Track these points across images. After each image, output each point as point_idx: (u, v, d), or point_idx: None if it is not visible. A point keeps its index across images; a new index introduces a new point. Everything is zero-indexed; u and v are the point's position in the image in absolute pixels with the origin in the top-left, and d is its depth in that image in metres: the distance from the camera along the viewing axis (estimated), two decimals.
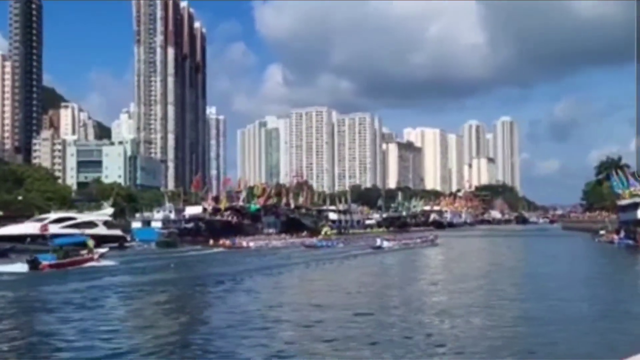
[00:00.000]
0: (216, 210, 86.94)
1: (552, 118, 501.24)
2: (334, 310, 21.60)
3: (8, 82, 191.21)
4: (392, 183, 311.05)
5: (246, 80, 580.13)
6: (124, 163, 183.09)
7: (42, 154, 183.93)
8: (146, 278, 33.87)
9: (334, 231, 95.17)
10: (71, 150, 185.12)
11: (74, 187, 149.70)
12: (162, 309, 23.53)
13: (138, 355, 15.10)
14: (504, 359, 14.56)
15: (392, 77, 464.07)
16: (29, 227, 59.71)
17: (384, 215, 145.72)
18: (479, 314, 20.91)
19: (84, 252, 40.89)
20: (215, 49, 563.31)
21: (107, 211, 74.09)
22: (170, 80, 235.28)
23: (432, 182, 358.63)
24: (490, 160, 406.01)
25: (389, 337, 16.75)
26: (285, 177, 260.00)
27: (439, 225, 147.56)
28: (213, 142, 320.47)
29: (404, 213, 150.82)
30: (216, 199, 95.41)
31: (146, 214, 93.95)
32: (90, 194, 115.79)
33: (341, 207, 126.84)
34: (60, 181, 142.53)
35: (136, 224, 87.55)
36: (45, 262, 36.04)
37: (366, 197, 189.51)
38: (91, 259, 39.91)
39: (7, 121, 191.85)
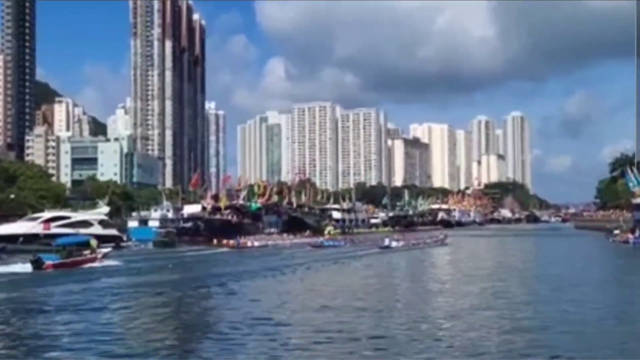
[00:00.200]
0: (216, 209, 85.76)
1: (564, 113, 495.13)
2: (348, 313, 21.41)
3: (0, 77, 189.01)
4: (398, 181, 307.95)
5: (247, 74, 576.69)
6: (120, 160, 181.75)
7: (35, 150, 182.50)
8: (141, 279, 33.80)
9: (338, 230, 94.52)
10: (65, 147, 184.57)
11: (68, 185, 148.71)
12: (163, 311, 23.14)
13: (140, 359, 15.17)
14: None
15: (398, 71, 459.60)
16: (21, 227, 59.65)
17: (390, 214, 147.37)
18: (488, 317, 20.62)
19: (87, 252, 41.34)
20: (215, 42, 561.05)
21: (102, 210, 74.06)
22: (168, 74, 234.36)
23: (439, 179, 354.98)
24: (500, 157, 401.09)
25: (399, 339, 16.80)
26: (287, 175, 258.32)
27: (447, 224, 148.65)
28: (212, 138, 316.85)
29: (411, 212, 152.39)
30: (215, 198, 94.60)
31: (143, 213, 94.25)
32: (85, 192, 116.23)
33: (345, 205, 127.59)
34: (54, 179, 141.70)
35: (133, 223, 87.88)
36: (49, 262, 36.61)
37: (371, 195, 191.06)
38: (94, 259, 40.43)
39: (0, 117, 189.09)
